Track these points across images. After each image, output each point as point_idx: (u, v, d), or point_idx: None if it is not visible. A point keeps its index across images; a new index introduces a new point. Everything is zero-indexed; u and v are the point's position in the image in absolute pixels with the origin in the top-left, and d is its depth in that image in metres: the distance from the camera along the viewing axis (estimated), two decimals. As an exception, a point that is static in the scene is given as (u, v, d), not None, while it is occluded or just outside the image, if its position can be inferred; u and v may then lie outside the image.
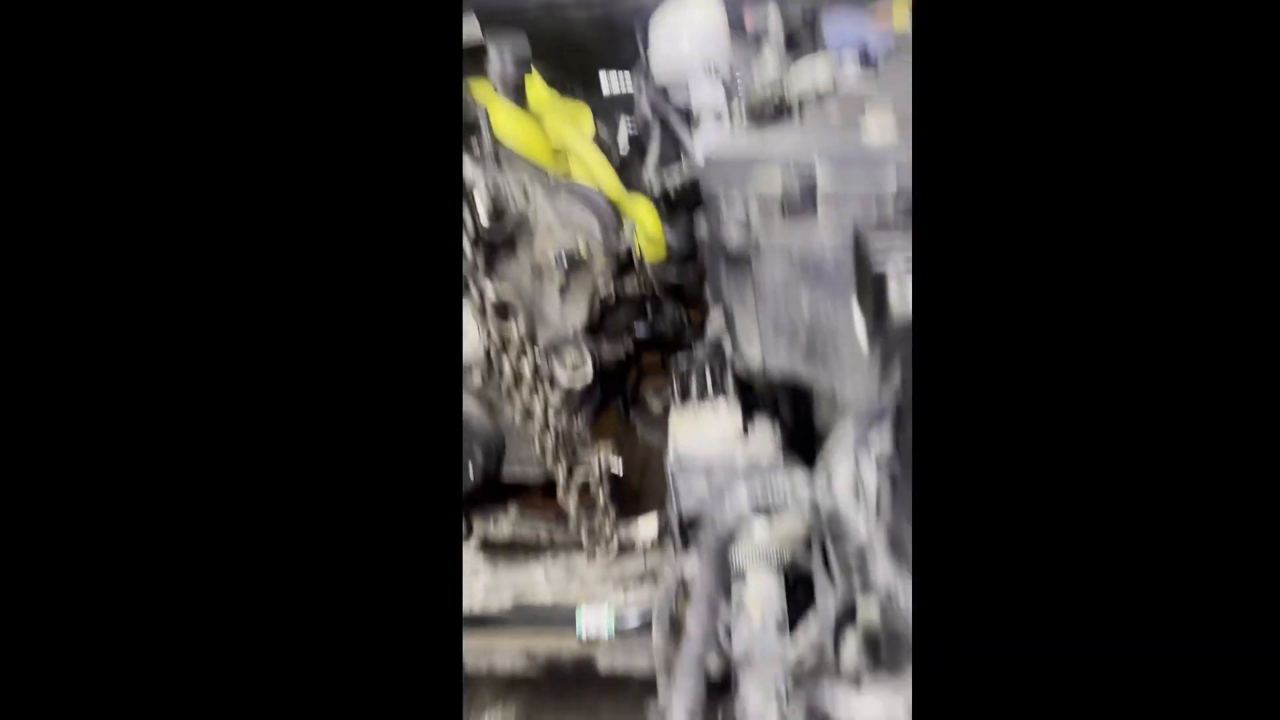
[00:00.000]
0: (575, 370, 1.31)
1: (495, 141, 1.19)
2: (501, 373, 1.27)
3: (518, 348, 1.25)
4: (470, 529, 1.62)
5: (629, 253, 1.27)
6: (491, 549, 1.57)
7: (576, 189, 1.23)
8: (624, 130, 1.39)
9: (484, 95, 1.25)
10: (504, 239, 1.22)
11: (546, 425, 1.33)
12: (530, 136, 1.24)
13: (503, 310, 1.22)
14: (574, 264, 1.21)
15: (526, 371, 1.27)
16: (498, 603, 1.42)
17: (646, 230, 1.27)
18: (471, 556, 1.53)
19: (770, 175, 0.77)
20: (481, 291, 1.18)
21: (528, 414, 1.32)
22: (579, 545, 1.49)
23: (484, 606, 1.41)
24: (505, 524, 1.64)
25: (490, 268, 1.26)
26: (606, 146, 1.38)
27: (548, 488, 1.50)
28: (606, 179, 1.28)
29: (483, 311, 1.20)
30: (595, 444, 1.45)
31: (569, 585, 1.42)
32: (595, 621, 1.29)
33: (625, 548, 1.50)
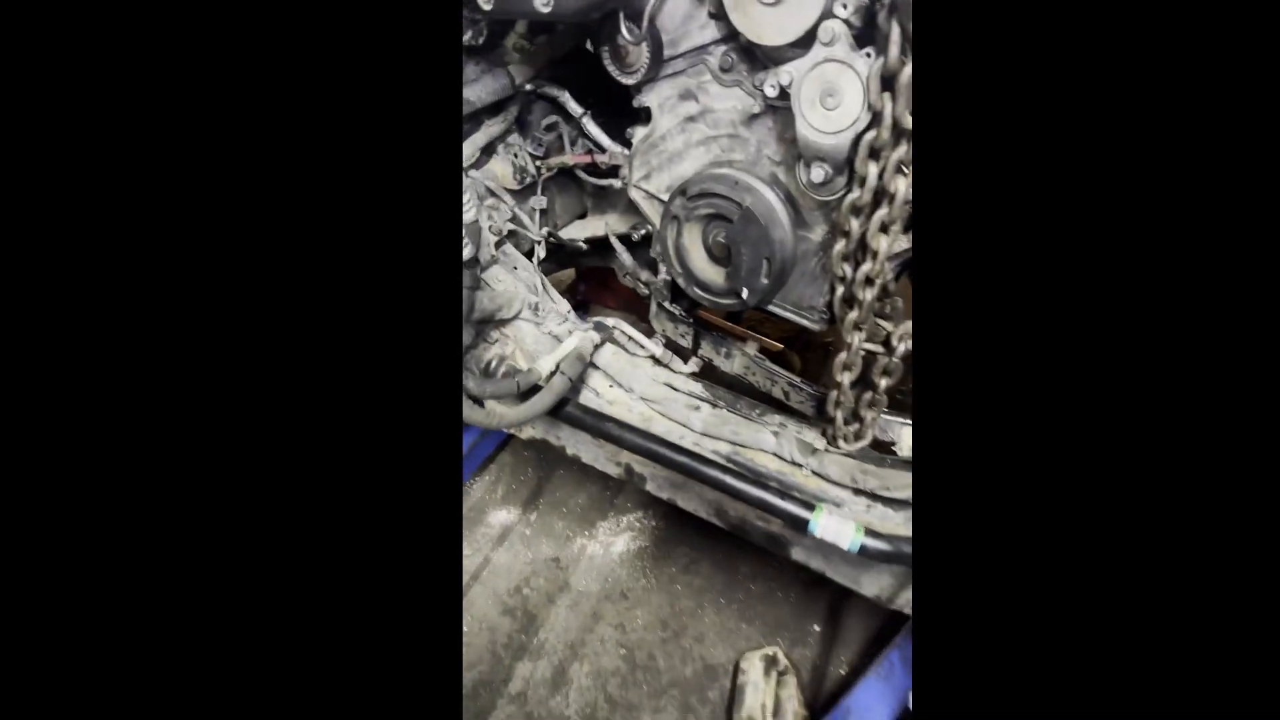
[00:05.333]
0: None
1: None
2: (859, 182, 0.84)
3: (903, 151, 0.79)
4: (696, 349, 1.33)
5: None
6: (710, 380, 1.30)
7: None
8: None
9: None
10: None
11: (876, 275, 0.93)
12: None
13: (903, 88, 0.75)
14: None
15: (902, 190, 0.84)
16: (712, 447, 1.18)
17: None
18: (685, 382, 1.27)
19: None
20: (896, 49, 0.71)
21: (864, 252, 0.91)
22: (823, 422, 1.17)
23: (695, 444, 1.18)
24: (739, 359, 1.34)
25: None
26: None
27: (807, 345, 1.15)
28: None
29: (889, 77, 0.73)
30: (903, 317, 1.05)
31: (797, 469, 1.14)
32: (835, 529, 1.02)
33: (883, 449, 1.18)
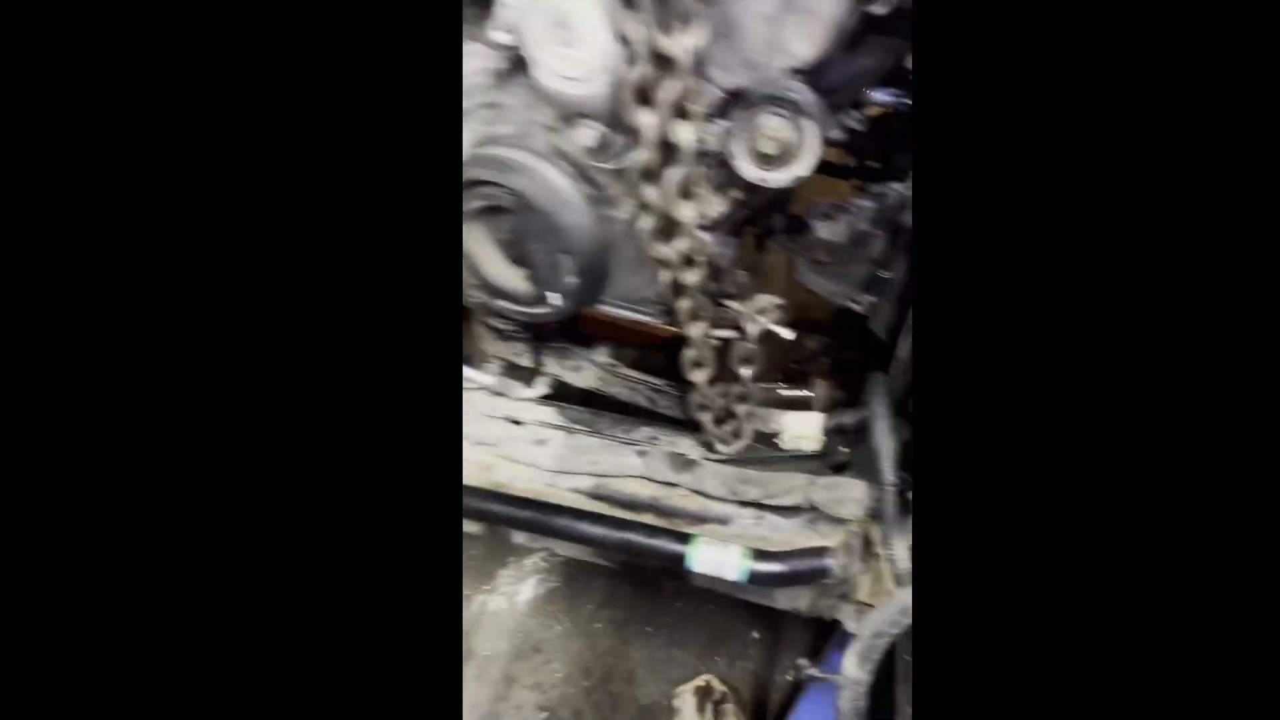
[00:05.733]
0: (780, 158, 0.66)
1: None
2: (631, 140, 0.64)
3: (681, 88, 0.59)
4: (538, 368, 1.12)
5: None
6: (565, 402, 1.09)
7: None
8: None
9: None
10: None
11: (694, 254, 0.73)
12: None
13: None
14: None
15: (688, 141, 0.64)
16: (569, 485, 0.97)
17: None
18: (533, 409, 1.06)
19: None
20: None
21: (669, 225, 0.72)
22: (695, 426, 0.99)
23: (549, 485, 0.97)
24: (590, 371, 1.13)
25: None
26: None
27: (664, 341, 0.96)
28: None
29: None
30: (751, 292, 0.87)
31: (672, 489, 0.95)
32: (718, 560, 0.84)
33: (766, 443, 1.00)
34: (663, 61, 0.58)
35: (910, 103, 0.88)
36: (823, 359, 1.53)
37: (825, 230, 1.10)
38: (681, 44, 0.57)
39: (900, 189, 1.03)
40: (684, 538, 0.86)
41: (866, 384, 0.91)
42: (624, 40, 0.58)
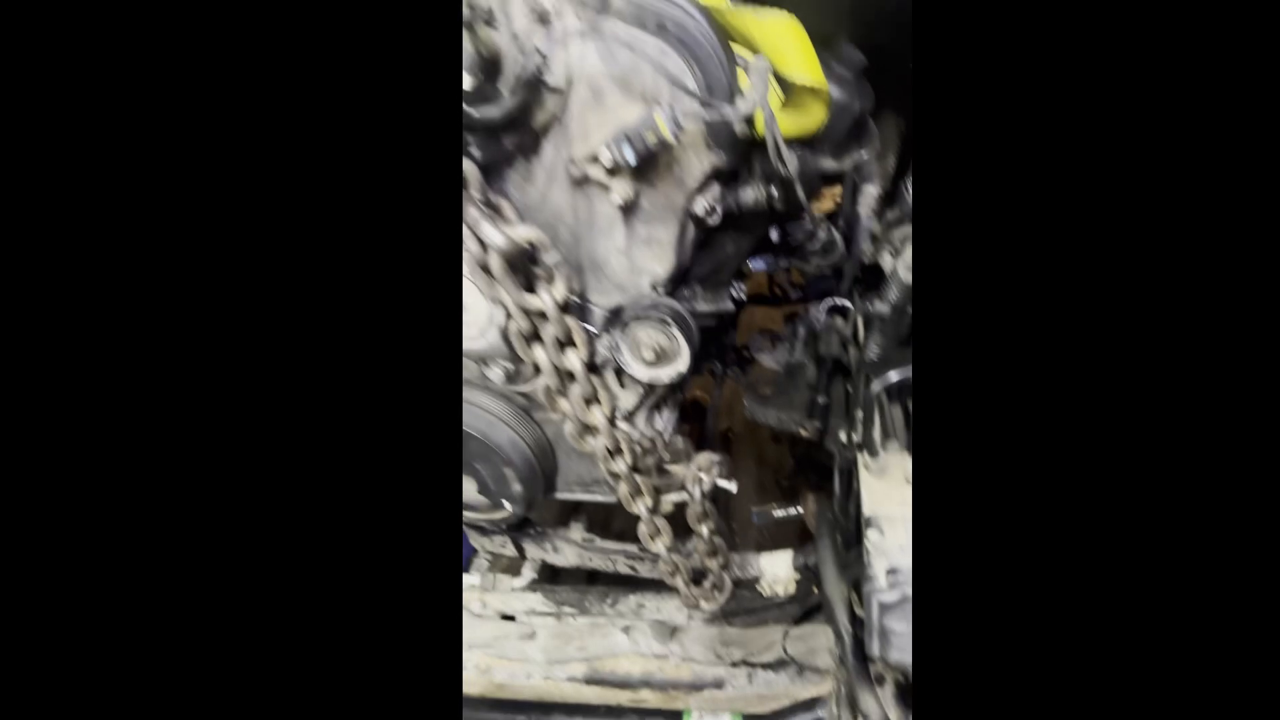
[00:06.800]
0: (659, 361, 0.75)
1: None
2: (536, 368, 0.74)
3: (558, 328, 0.70)
4: (522, 554, 1.16)
5: (748, 125, 0.65)
6: (552, 583, 1.12)
7: (647, 6, 0.60)
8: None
9: None
10: (514, 122, 0.62)
11: (616, 445, 0.80)
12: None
13: (523, 263, 0.66)
14: (645, 158, 0.61)
15: (576, 365, 0.73)
16: (565, 674, 0.98)
17: (791, 76, 0.64)
18: (523, 598, 1.09)
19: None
20: (480, 236, 0.62)
21: (585, 428, 0.79)
22: (674, 587, 1.01)
23: (545, 677, 0.98)
24: (569, 549, 1.17)
25: (496, 183, 0.68)
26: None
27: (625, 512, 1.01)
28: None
29: (485, 269, 0.64)
30: (692, 454, 0.92)
31: (663, 660, 0.96)
32: (712, 737, 0.83)
33: (746, 592, 1.01)
34: (536, 314, 0.69)
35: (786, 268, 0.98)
36: (807, 473, 1.55)
37: (769, 360, 1.18)
38: (547, 297, 0.68)
39: (822, 312, 1.12)
40: (676, 715, 0.85)
41: (815, 523, 0.93)
42: (498, 302, 0.69)
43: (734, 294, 0.90)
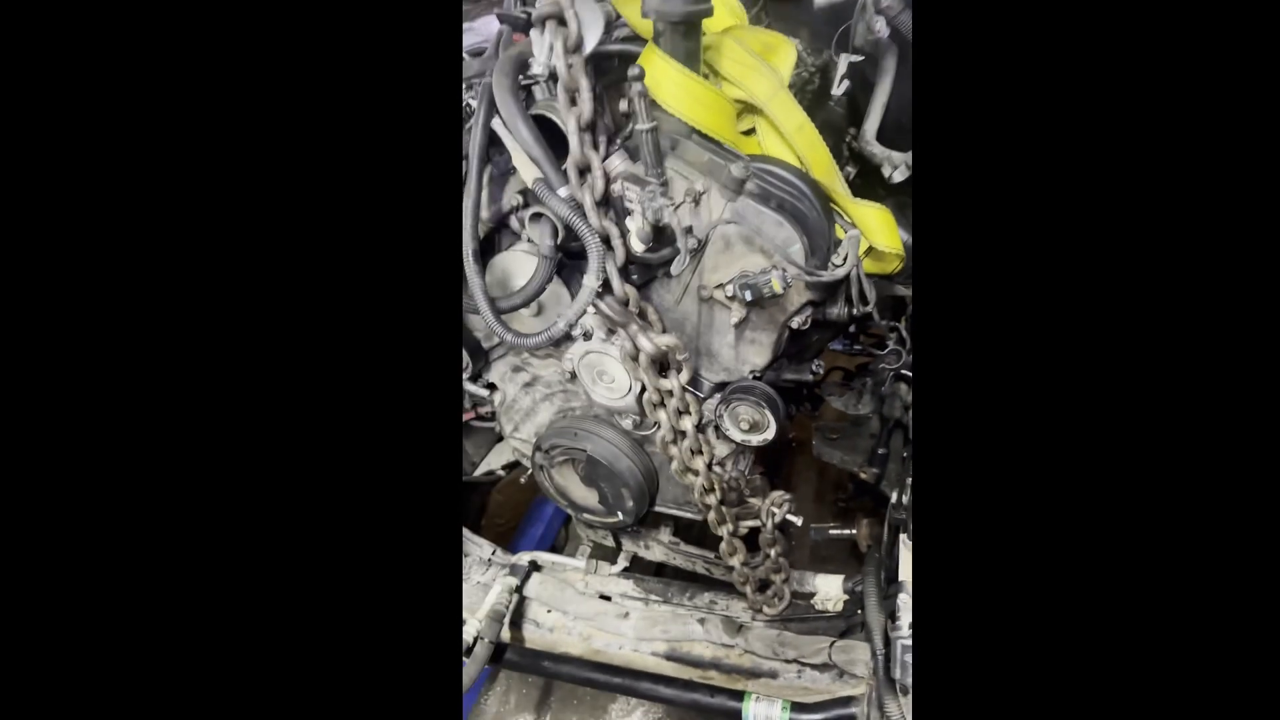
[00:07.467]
0: (752, 431, 0.98)
1: (652, 113, 0.79)
2: (657, 425, 0.98)
3: (678, 402, 0.93)
4: (618, 549, 1.44)
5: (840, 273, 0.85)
6: (642, 572, 1.39)
7: (772, 189, 0.81)
8: (842, 67, 0.90)
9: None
10: (666, 261, 0.86)
11: (710, 486, 1.04)
12: (705, 104, 0.81)
13: (660, 362, 0.90)
14: (759, 300, 0.83)
15: (688, 427, 0.97)
16: (649, 649, 1.25)
17: (877, 243, 0.84)
18: (617, 583, 1.36)
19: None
20: (634, 340, 0.86)
21: (688, 470, 1.04)
22: (742, 592, 1.25)
23: (634, 650, 1.25)
24: (658, 547, 1.43)
25: (646, 292, 0.92)
26: (812, 93, 0.92)
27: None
28: (817, 160, 0.84)
29: (634, 358, 0.89)
30: (768, 490, 1.15)
31: (730, 649, 1.20)
32: (765, 713, 1.08)
33: (801, 603, 1.25)
34: (665, 391, 0.93)
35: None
36: (865, 497, 1.74)
37: (838, 403, 1.39)
38: (675, 382, 0.92)
39: (887, 377, 1.30)
40: (738, 695, 1.10)
41: (864, 545, 1.14)
42: (638, 379, 0.93)
43: (814, 368, 1.11)
